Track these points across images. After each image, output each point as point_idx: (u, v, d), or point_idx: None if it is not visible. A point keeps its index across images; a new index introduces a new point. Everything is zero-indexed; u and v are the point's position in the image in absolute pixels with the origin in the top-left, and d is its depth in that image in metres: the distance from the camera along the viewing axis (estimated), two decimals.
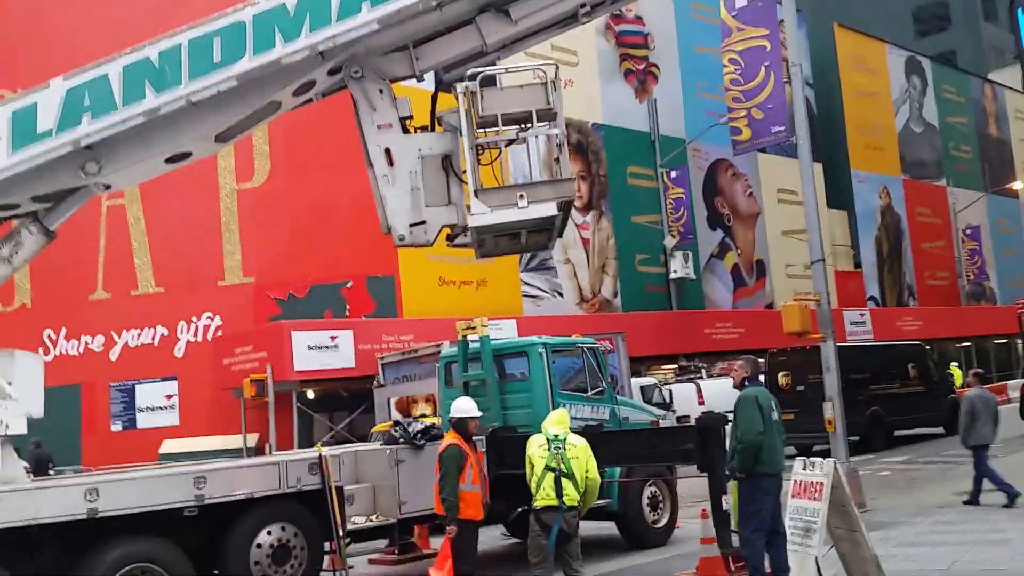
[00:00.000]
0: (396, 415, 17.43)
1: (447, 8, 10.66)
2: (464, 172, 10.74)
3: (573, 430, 10.25)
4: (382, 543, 15.10)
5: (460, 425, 10.58)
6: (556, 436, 9.75)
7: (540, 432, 10.16)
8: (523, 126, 10.71)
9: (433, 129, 11.18)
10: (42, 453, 21.04)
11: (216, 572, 11.37)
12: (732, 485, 11.61)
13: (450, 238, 11.28)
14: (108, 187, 10.99)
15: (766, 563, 10.55)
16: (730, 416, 11.33)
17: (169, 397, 28.38)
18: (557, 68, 10.86)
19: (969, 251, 54.00)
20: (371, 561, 15.12)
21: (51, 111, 10.29)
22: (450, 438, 10.50)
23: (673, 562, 13.20)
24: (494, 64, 11.26)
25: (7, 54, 29.47)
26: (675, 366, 34.02)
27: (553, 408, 12.53)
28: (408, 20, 10.56)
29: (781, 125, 22.39)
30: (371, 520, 12.32)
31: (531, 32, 11.26)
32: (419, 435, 12.68)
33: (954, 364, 41.00)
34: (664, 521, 14.99)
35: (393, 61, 11.05)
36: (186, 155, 11.00)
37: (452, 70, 11.40)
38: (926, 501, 17.13)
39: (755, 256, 42.33)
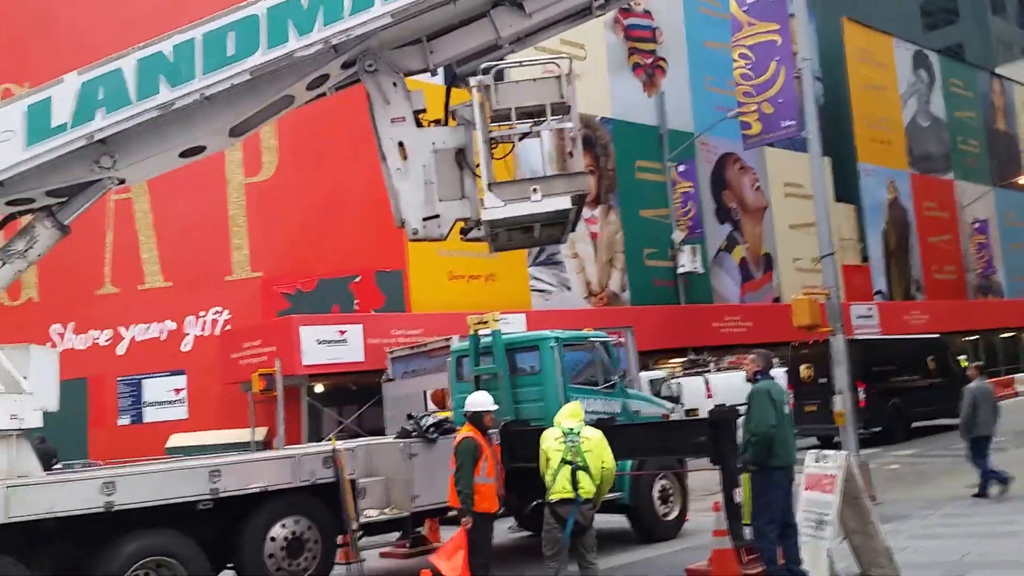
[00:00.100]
0: (432, 407, 17.42)
1: (461, 1, 10.68)
2: (478, 166, 10.76)
3: (586, 423, 10.27)
4: (393, 537, 15.12)
5: (476, 418, 10.62)
6: (571, 429, 9.76)
7: (553, 426, 10.18)
8: (537, 120, 10.72)
9: (447, 123, 11.21)
10: (47, 448, 21.01)
11: (230, 565, 11.42)
12: (744, 478, 11.63)
13: (464, 232, 11.30)
14: (122, 181, 11.04)
15: (779, 555, 10.55)
16: (741, 409, 11.36)
17: (177, 391, 28.44)
18: (571, 62, 10.86)
19: (977, 245, 53.97)
20: (383, 555, 15.14)
21: (66, 105, 10.33)
22: (466, 431, 10.55)
23: (684, 555, 13.21)
24: (506, 58, 11.29)
25: (16, 49, 29.52)
26: (683, 360, 34.03)
27: (565, 402, 12.54)
28: (422, 13, 10.58)
29: (791, 120, 22.34)
30: (384, 513, 12.35)
31: (545, 25, 11.28)
32: (432, 429, 12.72)
33: (962, 357, 40.96)
34: (675, 514, 15.00)
35: (407, 55, 11.08)
36: (200, 149, 11.04)
37: (465, 64, 11.42)
38: (936, 494, 17.15)
39: (763, 250, 42.32)
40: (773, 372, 11.59)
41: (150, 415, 28.36)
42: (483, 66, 10.73)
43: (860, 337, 30.81)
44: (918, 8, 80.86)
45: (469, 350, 15.00)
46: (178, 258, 28.77)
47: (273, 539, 11.25)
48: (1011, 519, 14.13)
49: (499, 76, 10.71)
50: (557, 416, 10.16)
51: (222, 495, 10.80)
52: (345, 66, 10.93)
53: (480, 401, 10.76)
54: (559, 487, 9.50)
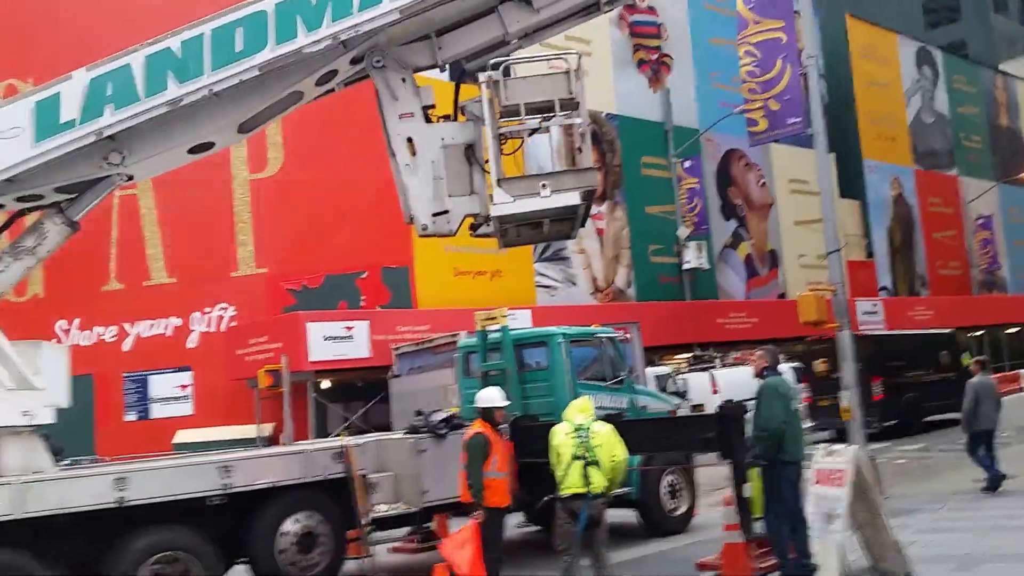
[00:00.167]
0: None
1: None
2: (487, 161, 10.77)
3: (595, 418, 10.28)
4: (401, 532, 15.16)
5: (487, 414, 10.65)
6: (581, 425, 9.77)
7: (562, 421, 10.20)
8: (546, 115, 10.72)
9: (456, 118, 11.20)
10: (51, 444, 21.05)
11: (242, 560, 11.45)
12: (753, 473, 11.65)
13: (473, 228, 11.31)
14: (131, 177, 11.06)
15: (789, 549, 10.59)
16: (749, 405, 11.38)
17: (183, 387, 28.49)
18: (580, 57, 10.86)
19: (981, 241, 53.93)
20: (392, 550, 15.16)
21: (74, 101, 10.36)
22: (476, 427, 10.58)
23: (693, 549, 13.25)
24: (515, 54, 11.28)
25: (19, 44, 29.53)
26: (689, 355, 34.01)
27: (573, 397, 12.56)
28: (430, 9, 10.59)
29: (798, 117, 22.36)
30: (394, 508, 12.39)
31: (553, 21, 11.30)
32: (441, 424, 12.74)
33: (964, 355, 40.93)
34: (683, 509, 15.05)
35: (415, 50, 11.11)
36: (209, 145, 11.06)
37: (473, 60, 11.43)
38: (943, 488, 17.18)
39: (768, 246, 42.30)
40: (780, 368, 11.62)
41: (156, 411, 28.40)
42: (492, 62, 10.73)
43: (875, 333, 31.06)
44: (920, 5, 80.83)
45: (477, 346, 15.03)
46: (183, 254, 28.78)
47: (284, 534, 11.30)
48: (1019, 513, 14.17)
49: (506, 72, 10.72)
50: (567, 411, 10.17)
51: (233, 490, 10.84)
52: (354, 62, 10.95)
53: (491, 397, 10.78)
54: (571, 482, 9.52)
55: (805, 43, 19.48)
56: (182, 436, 26.22)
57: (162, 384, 28.54)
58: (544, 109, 10.68)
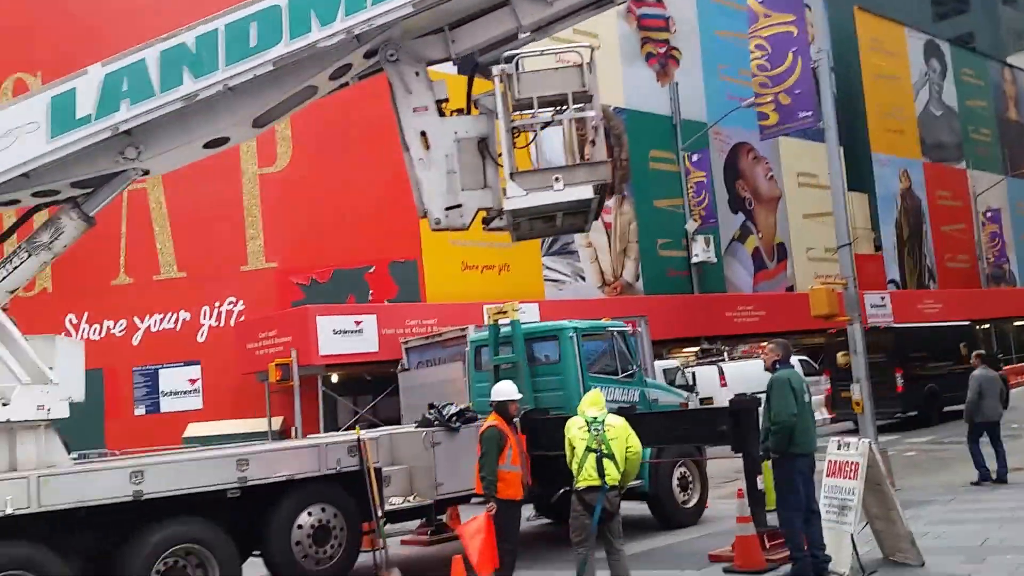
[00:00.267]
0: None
1: None
2: (500, 155, 10.78)
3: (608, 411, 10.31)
4: (411, 525, 15.22)
5: (501, 407, 10.69)
6: (595, 418, 9.81)
7: (574, 414, 10.24)
8: (559, 108, 10.74)
9: (469, 112, 11.21)
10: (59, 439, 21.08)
11: (255, 553, 11.50)
12: (764, 465, 11.69)
13: (486, 221, 11.32)
14: (147, 172, 11.09)
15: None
16: (761, 398, 11.43)
17: (192, 381, 28.55)
18: (593, 50, 10.87)
19: (989, 234, 53.86)
20: (403, 542, 15.22)
21: (90, 97, 10.36)
22: (491, 420, 10.62)
23: (704, 541, 13.29)
24: (528, 47, 11.29)
25: (26, 38, 29.56)
26: (697, 349, 34.06)
27: (584, 391, 12.60)
28: (444, 2, 10.59)
29: (808, 111, 22.33)
30: (408, 501, 12.43)
31: (566, 13, 11.28)
32: (454, 418, 12.80)
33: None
34: (694, 501, 15.10)
35: (428, 44, 11.10)
36: (224, 140, 11.09)
37: (486, 53, 11.43)
38: (954, 480, 17.26)
39: (776, 239, 42.27)
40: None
41: (166, 405, 28.46)
42: (505, 55, 10.75)
43: (897, 325, 31.34)
44: None
45: (488, 340, 15.07)
46: (193, 249, 28.84)
47: (300, 527, 11.37)
48: None
49: (517, 66, 10.73)
50: (580, 405, 10.20)
51: (250, 483, 10.89)
52: (367, 56, 10.94)
53: (505, 391, 10.82)
54: (585, 475, 9.55)
55: (816, 36, 19.50)
56: (192, 430, 26.28)
57: (172, 378, 28.61)
58: (557, 102, 10.71)
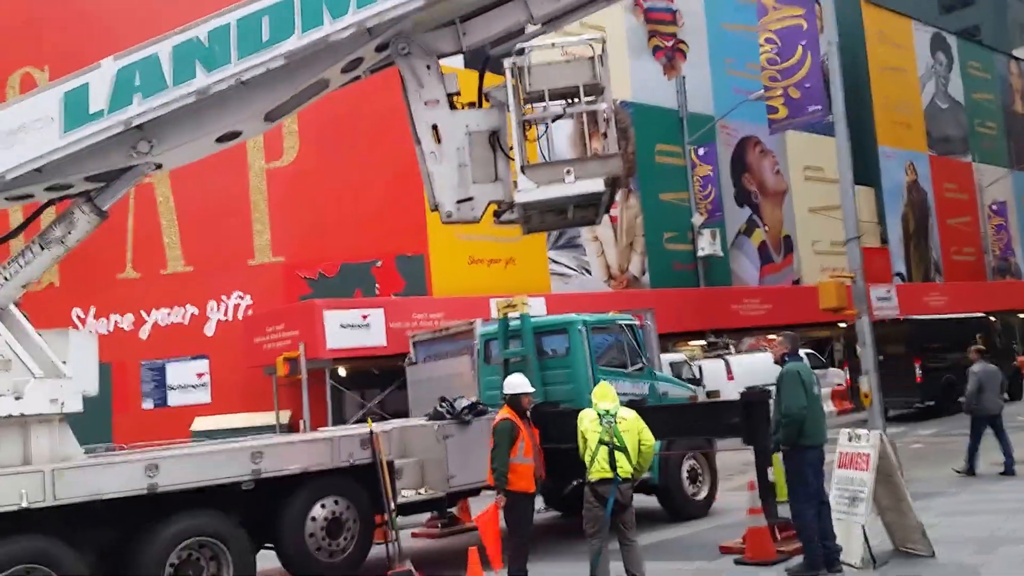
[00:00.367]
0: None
1: None
2: (511, 148, 10.80)
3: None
4: (422, 518, 15.28)
5: (514, 400, 10.71)
6: (607, 411, 9.85)
7: (585, 407, 10.28)
8: (570, 101, 10.76)
9: (480, 105, 11.22)
10: None
11: (270, 545, 11.55)
12: (776, 458, 11.74)
13: (497, 214, 11.34)
14: (159, 166, 11.14)
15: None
16: (771, 391, 11.45)
17: (200, 375, 28.55)
18: (605, 42, 10.87)
19: (995, 227, 53.80)
20: (414, 535, 15.28)
21: (102, 91, 10.38)
22: (504, 412, 10.65)
23: (714, 533, 13.35)
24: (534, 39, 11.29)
25: (33, 32, 29.55)
26: (703, 342, 34.05)
27: (593, 384, 12.63)
28: None
29: (818, 104, 22.38)
30: (420, 493, 12.48)
31: (578, 5, 11.28)
32: (466, 411, 12.84)
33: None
34: (703, 494, 15.16)
35: (440, 37, 11.11)
36: (236, 134, 11.12)
37: (496, 46, 11.43)
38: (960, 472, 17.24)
39: (782, 233, 42.22)
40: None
41: (174, 399, 28.47)
42: (517, 47, 10.76)
43: (916, 317, 31.71)
44: None
45: (498, 333, 15.10)
46: (200, 243, 28.83)
47: (313, 519, 11.43)
48: None
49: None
50: (593, 398, 10.23)
51: (264, 476, 10.93)
52: (379, 49, 10.95)
53: (518, 383, 10.85)
54: (598, 467, 9.59)
55: (826, 29, 19.48)
56: (200, 424, 26.33)
57: (179, 372, 28.61)
58: (568, 95, 10.72)
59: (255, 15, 10.45)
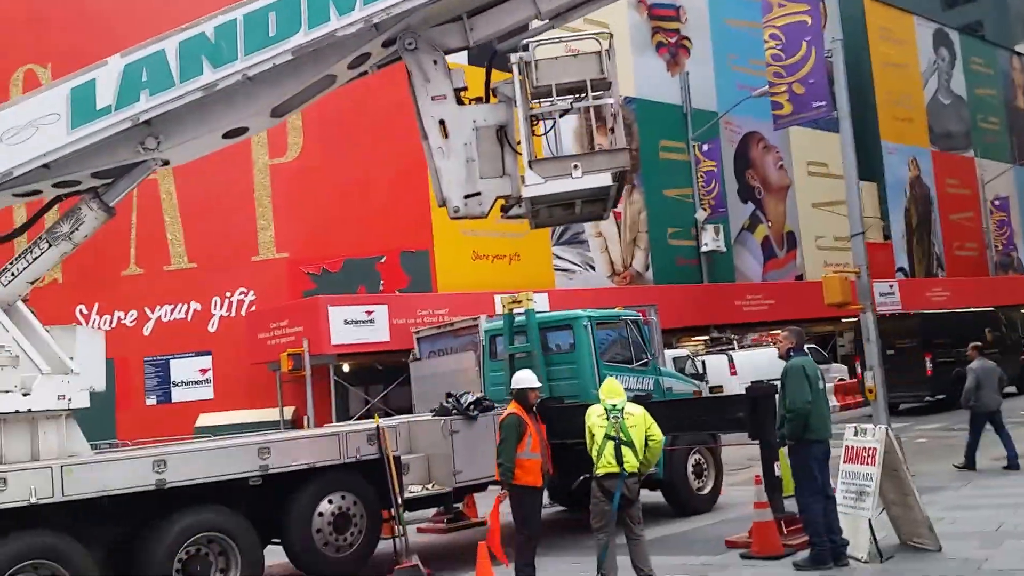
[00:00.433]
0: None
1: None
2: (519, 143, 10.80)
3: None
4: (429, 512, 15.29)
5: (521, 395, 10.72)
6: (614, 406, 9.86)
7: (591, 403, 10.30)
8: (577, 96, 10.76)
9: (487, 100, 11.21)
10: None
11: (277, 540, 11.57)
12: (781, 452, 11.75)
13: (504, 209, 11.32)
14: (167, 162, 11.15)
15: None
16: (776, 385, 11.47)
17: (203, 371, 28.58)
18: (612, 37, 10.87)
19: (997, 222, 53.81)
20: (420, 530, 15.30)
21: (110, 87, 10.40)
22: (511, 408, 10.66)
23: (719, 527, 13.36)
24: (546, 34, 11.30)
25: (38, 29, 29.58)
26: (706, 338, 34.07)
27: (599, 380, 12.65)
28: None
29: (823, 100, 22.37)
30: (427, 489, 12.51)
31: (584, 0, 11.27)
32: (472, 406, 12.86)
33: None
34: (708, 488, 15.17)
35: (447, 32, 11.10)
36: (243, 130, 11.12)
37: (502, 41, 11.44)
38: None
39: (785, 228, 42.24)
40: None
41: (177, 395, 28.51)
42: (524, 42, 10.76)
43: (925, 312, 32.05)
44: None
45: (503, 329, 15.11)
46: (204, 239, 28.86)
47: (321, 514, 11.45)
48: None
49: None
50: (600, 393, 10.24)
51: (272, 471, 10.95)
52: (386, 44, 10.94)
53: (525, 379, 10.86)
54: (604, 462, 9.60)
55: (831, 25, 19.49)
56: (204, 420, 26.37)
57: (183, 368, 28.65)
58: (575, 90, 10.72)
59: (262, 11, 10.45)
